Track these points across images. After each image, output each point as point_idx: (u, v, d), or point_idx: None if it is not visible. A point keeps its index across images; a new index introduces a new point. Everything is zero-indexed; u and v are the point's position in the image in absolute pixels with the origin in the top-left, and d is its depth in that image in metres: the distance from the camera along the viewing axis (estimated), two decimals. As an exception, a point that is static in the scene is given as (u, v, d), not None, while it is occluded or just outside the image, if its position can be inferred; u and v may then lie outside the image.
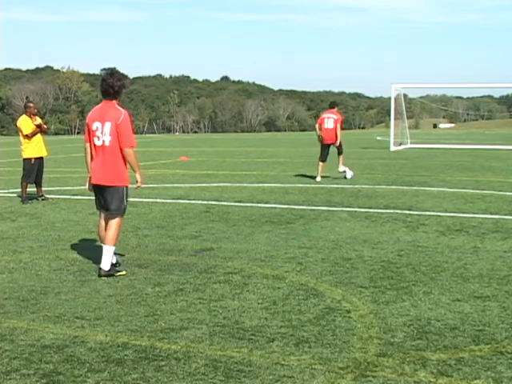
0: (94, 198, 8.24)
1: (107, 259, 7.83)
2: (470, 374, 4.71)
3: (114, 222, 7.98)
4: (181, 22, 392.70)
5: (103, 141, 7.80)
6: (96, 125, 7.82)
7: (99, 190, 8.02)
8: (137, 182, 8.15)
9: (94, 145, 7.88)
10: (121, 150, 7.83)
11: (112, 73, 8.04)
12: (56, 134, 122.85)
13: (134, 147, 7.94)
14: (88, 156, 8.04)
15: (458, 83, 61.36)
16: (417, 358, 5.05)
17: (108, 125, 7.77)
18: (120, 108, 7.94)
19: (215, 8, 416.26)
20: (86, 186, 8.28)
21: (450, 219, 11.84)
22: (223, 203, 14.30)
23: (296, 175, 21.72)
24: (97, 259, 8.66)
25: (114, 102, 7.96)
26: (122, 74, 8.15)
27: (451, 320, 6.00)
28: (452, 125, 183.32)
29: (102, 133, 7.79)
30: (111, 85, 7.88)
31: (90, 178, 8.04)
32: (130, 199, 15.18)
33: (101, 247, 8.05)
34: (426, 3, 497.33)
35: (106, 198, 7.96)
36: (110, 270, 7.80)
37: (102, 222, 8.11)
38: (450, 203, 14.16)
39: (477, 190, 16.82)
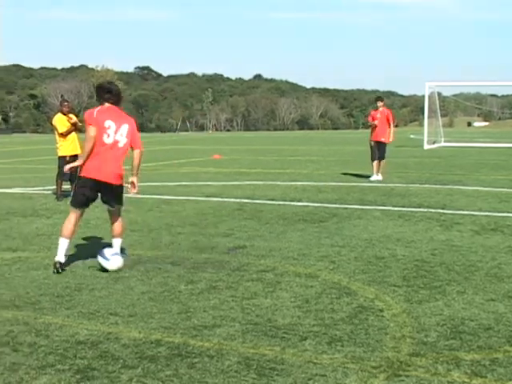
0: (86, 193, 8.17)
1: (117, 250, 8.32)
2: (504, 375, 4.67)
3: (121, 217, 8.48)
4: (214, 20, 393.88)
5: (116, 141, 8.06)
6: (108, 123, 8.03)
7: (102, 187, 8.13)
8: (134, 186, 8.32)
9: (101, 141, 8.01)
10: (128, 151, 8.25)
11: (113, 82, 8.85)
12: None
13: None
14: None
15: (492, 81, 60.69)
16: (450, 357, 5.02)
17: (126, 127, 8.14)
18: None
19: (248, 6, 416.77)
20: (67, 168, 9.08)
21: (485, 218, 11.72)
22: (256, 201, 14.32)
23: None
24: (130, 256, 8.73)
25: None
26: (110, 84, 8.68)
27: (485, 320, 5.95)
28: (486, 123, 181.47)
29: (115, 132, 8.05)
30: (120, 92, 8.40)
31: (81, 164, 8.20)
32: (164, 196, 15.30)
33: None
34: (461, 0, 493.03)
35: (114, 196, 8.25)
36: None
37: (76, 220, 8.24)
38: (485, 202, 14.02)
39: (512, 188, 16.64)
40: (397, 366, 4.85)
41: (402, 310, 6.29)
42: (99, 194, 8.23)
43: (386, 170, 19.91)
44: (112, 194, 8.21)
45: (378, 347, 5.26)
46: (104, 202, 8.33)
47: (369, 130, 20.60)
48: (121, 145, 8.09)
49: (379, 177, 19.44)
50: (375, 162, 19.67)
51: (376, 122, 19.68)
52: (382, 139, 19.66)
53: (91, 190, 8.14)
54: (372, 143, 19.79)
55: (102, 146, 8.01)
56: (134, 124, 8.29)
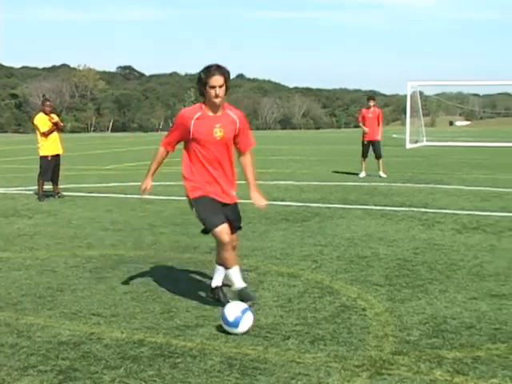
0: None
1: None
2: (486, 373, 4.69)
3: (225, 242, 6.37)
4: (196, 20, 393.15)
5: None
6: None
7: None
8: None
9: None
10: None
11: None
12: (72, 131, 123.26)
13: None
14: None
15: (474, 80, 60.92)
16: (432, 356, 5.04)
17: None
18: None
19: (230, 6, 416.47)
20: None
21: (467, 217, 11.78)
22: (238, 201, 14.27)
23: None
24: (112, 256, 8.70)
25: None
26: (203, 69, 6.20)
27: (467, 318, 5.98)
28: (468, 122, 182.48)
29: None
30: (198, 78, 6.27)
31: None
32: (147, 196, 15.23)
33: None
34: (443, 0, 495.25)
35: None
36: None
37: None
38: (467, 201, 14.09)
39: (494, 187, 16.73)
40: (379, 364, 4.86)
41: (384, 308, 6.31)
42: None
43: (369, 167, 20.16)
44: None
45: (360, 346, 5.27)
46: None
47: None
48: None
49: (383, 174, 20.05)
50: (365, 160, 20.46)
51: (367, 130, 20.31)
52: (377, 137, 20.42)
53: None
54: (365, 142, 20.49)
55: None
56: None
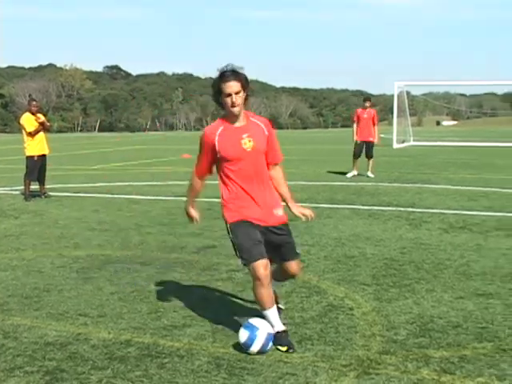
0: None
1: None
2: (473, 372, 4.71)
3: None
4: (184, 19, 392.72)
5: None
6: None
7: None
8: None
9: None
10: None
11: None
12: (59, 131, 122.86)
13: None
14: None
15: (461, 80, 61.11)
16: (420, 355, 5.05)
17: None
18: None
19: (218, 5, 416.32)
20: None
21: (453, 216, 11.82)
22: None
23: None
24: (99, 256, 8.67)
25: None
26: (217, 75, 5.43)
27: (454, 318, 5.99)
28: (455, 122, 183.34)
29: None
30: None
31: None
32: (134, 196, 15.22)
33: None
34: (429, 0, 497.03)
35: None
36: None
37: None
38: (453, 200, 14.14)
39: (480, 187, 16.79)
40: (367, 364, 4.87)
41: (371, 308, 6.32)
42: None
43: (359, 167, 20.23)
44: None
45: (347, 346, 5.27)
46: None
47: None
48: None
49: (371, 174, 20.09)
50: (356, 160, 20.52)
51: (356, 137, 20.50)
52: (370, 139, 20.53)
53: None
54: (358, 142, 20.55)
55: None
56: None
